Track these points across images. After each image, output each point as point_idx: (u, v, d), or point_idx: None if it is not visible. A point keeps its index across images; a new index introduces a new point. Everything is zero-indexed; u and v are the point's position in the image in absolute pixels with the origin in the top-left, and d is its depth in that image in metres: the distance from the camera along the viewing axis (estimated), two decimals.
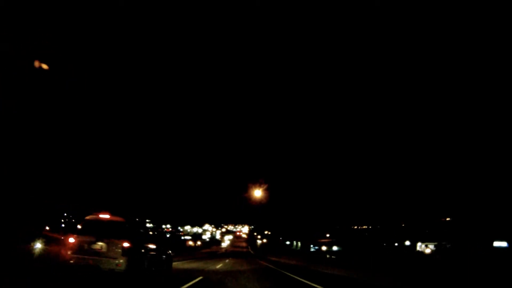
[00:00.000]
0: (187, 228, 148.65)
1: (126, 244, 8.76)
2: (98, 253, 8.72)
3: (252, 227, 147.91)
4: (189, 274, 12.64)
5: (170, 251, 13.02)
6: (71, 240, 9.06)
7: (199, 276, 11.83)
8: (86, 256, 8.72)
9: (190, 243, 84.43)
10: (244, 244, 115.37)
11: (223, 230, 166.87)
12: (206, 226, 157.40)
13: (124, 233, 9.05)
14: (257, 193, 32.65)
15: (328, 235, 62.35)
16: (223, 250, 78.62)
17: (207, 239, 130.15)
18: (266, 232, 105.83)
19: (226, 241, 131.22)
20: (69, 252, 8.95)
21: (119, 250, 8.70)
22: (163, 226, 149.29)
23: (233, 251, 68.38)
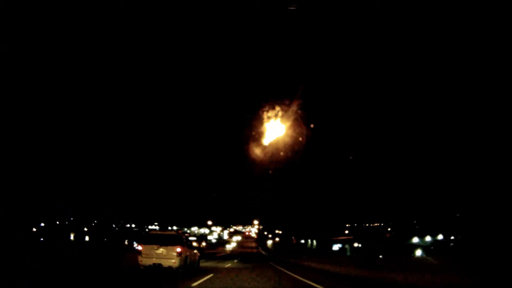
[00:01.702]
0: (194, 229, 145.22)
1: (178, 249, 12.91)
2: (159, 256, 12.80)
3: (261, 227, 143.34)
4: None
5: (197, 252, 17.36)
6: (141, 248, 13.08)
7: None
8: (152, 258, 12.81)
9: (194, 244, 79.08)
10: (253, 244, 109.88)
11: (231, 230, 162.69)
12: (214, 227, 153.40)
13: (176, 242, 13.29)
14: (273, 128, 19.33)
15: (347, 232, 58.11)
16: (228, 252, 69.73)
17: (214, 240, 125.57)
18: (277, 231, 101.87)
19: (232, 242, 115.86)
20: (141, 256, 12.96)
21: (174, 253, 12.82)
22: (169, 228, 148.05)
23: (241, 253, 62.44)
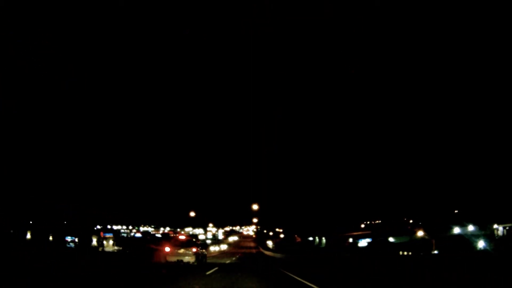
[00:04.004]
0: (189, 230, 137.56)
1: (194, 250, 18.43)
2: (181, 254, 18.07)
3: (259, 227, 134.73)
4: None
5: (205, 251, 23.20)
6: (167, 249, 18.37)
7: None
8: (175, 257, 17.95)
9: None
10: (252, 244, 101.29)
11: (227, 229, 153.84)
12: (209, 227, 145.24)
13: (193, 244, 19.20)
14: None
15: (363, 226, 50.50)
16: (215, 254, 54.57)
17: (208, 241, 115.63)
18: (277, 230, 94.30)
19: (222, 245, 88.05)
20: (166, 255, 18.20)
21: (191, 252, 18.20)
22: (162, 229, 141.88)
23: (236, 253, 50.69)
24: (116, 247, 48.99)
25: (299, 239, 73.08)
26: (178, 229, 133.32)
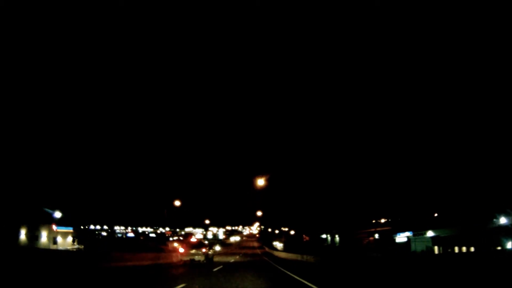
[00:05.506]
0: (189, 229, 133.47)
1: (204, 250, 21.95)
2: (193, 254, 21.36)
3: (262, 227, 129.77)
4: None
5: (213, 251, 26.68)
6: (182, 250, 22.56)
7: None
8: (188, 256, 21.33)
9: (176, 245, 65.41)
10: (255, 244, 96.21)
11: (228, 228, 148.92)
12: (210, 227, 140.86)
13: (202, 245, 22.92)
14: None
15: (383, 221, 45.93)
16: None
17: (206, 242, 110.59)
18: (283, 229, 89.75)
19: (216, 247, 75.95)
20: (181, 255, 22.15)
21: (201, 252, 21.61)
22: (161, 229, 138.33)
23: (238, 254, 45.13)
24: (77, 245, 41.20)
25: (307, 238, 68.47)
26: (178, 229, 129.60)
